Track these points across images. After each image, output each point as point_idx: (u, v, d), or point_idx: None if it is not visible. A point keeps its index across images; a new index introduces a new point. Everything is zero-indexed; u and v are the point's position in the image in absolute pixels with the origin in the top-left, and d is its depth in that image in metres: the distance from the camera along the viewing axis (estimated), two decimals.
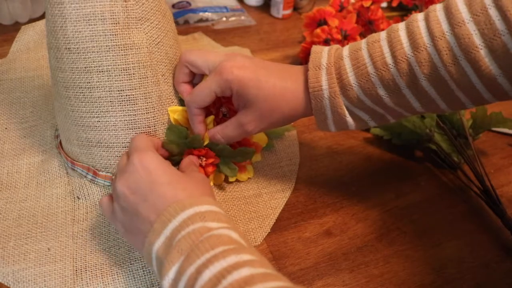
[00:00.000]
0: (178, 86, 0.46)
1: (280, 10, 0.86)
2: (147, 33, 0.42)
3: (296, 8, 0.90)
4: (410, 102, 0.39)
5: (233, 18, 0.84)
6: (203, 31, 0.79)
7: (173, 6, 0.84)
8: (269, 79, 0.41)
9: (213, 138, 0.45)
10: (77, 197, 0.47)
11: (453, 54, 0.35)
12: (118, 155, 0.45)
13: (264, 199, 0.49)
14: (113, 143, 0.44)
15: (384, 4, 0.94)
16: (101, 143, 0.44)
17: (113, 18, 0.40)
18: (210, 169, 0.46)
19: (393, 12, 0.91)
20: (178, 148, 0.46)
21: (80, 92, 0.42)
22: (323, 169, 0.54)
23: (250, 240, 0.45)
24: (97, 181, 0.47)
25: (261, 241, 0.45)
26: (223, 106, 0.48)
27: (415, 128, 0.56)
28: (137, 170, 0.37)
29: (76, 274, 0.40)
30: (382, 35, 0.40)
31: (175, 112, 0.46)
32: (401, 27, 0.38)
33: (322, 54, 0.42)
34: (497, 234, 0.49)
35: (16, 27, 0.72)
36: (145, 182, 0.37)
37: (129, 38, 0.41)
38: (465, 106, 0.39)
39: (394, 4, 0.68)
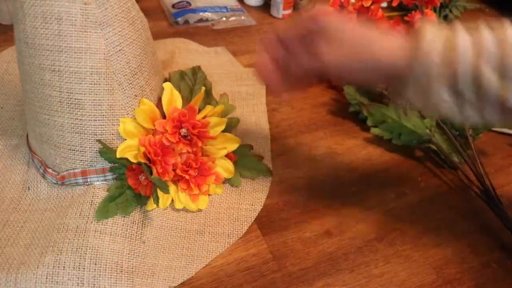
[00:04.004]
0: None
1: (280, 10, 0.86)
2: (107, 39, 0.41)
3: (296, 8, 0.90)
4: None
5: (233, 18, 0.84)
6: (203, 31, 0.79)
7: (173, 6, 0.84)
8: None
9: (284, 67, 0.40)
10: (28, 187, 0.47)
11: None
12: (64, 156, 0.44)
13: (205, 239, 0.45)
14: (60, 143, 0.44)
15: (384, 4, 0.94)
16: (49, 140, 0.44)
17: (70, 20, 0.39)
18: (149, 189, 0.44)
19: (393, 12, 0.91)
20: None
21: (34, 87, 0.42)
22: (323, 169, 0.54)
23: (167, 277, 0.41)
24: (46, 177, 0.47)
25: (178, 283, 0.41)
26: (183, 127, 0.45)
27: (415, 128, 0.56)
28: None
29: None
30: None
31: (126, 122, 0.44)
32: None
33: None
34: (497, 234, 0.48)
35: None
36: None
37: (85, 42, 0.40)
38: None
39: (394, 4, 0.68)
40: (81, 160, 0.45)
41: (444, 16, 0.91)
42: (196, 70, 0.55)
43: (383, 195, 0.52)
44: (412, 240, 0.47)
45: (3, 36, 0.71)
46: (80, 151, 0.44)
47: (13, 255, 0.41)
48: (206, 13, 0.83)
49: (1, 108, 0.56)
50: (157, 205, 0.45)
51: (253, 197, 0.50)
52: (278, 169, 0.54)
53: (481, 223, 0.50)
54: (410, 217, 0.49)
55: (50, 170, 0.46)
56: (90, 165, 0.45)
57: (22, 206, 0.45)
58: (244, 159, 0.51)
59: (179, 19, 0.81)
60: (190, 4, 0.85)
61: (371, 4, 0.65)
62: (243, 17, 0.85)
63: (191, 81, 0.54)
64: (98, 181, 0.46)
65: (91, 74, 0.41)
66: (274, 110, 0.63)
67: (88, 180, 0.46)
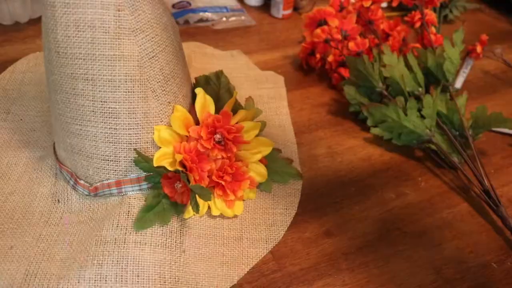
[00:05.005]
0: None
1: (280, 10, 0.86)
2: (140, 46, 0.41)
3: (296, 8, 0.90)
4: None
5: (233, 18, 0.84)
6: (203, 31, 0.79)
7: (173, 6, 0.84)
8: None
9: None
10: (58, 200, 0.46)
11: None
12: (97, 166, 0.43)
13: (244, 245, 0.45)
14: (93, 153, 0.43)
15: (384, 4, 0.94)
16: (82, 151, 0.43)
17: (103, 27, 0.39)
18: (185, 197, 0.43)
19: (393, 12, 0.92)
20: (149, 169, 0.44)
21: (66, 98, 0.41)
22: (323, 169, 0.54)
23: (210, 286, 0.41)
24: (77, 188, 0.46)
25: None
26: (217, 133, 0.44)
27: (415, 128, 0.56)
28: None
29: (25, 279, 0.39)
30: None
31: (161, 130, 0.43)
32: None
33: None
34: (497, 234, 0.49)
35: (16, 27, 0.73)
36: None
37: (119, 49, 0.40)
38: None
39: (394, 4, 0.68)
40: (115, 170, 0.44)
41: (444, 16, 0.91)
42: (219, 75, 0.54)
43: (383, 195, 0.52)
44: (412, 240, 0.47)
45: (3, 37, 0.71)
46: (115, 161, 0.43)
47: (50, 270, 0.40)
48: (206, 13, 0.83)
49: (21, 120, 0.55)
50: (197, 212, 0.44)
51: (286, 201, 0.49)
52: None
53: (481, 223, 0.50)
54: (410, 217, 0.50)
55: (82, 182, 0.45)
56: (125, 175, 0.44)
57: (53, 219, 0.45)
58: (274, 164, 0.50)
59: (179, 19, 0.81)
60: (190, 4, 0.85)
61: (371, 4, 0.65)
62: (243, 17, 0.85)
63: (216, 86, 0.52)
64: (133, 191, 0.45)
65: (125, 81, 0.41)
66: None
67: (123, 190, 0.45)
